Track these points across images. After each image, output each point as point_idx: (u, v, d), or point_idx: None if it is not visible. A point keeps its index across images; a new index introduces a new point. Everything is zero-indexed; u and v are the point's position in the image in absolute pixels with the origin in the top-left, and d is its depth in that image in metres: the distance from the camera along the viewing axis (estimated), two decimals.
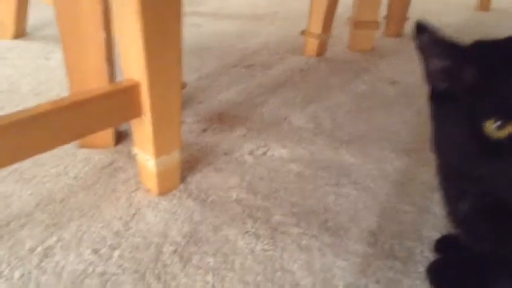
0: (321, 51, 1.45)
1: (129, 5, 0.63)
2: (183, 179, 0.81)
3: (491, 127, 0.41)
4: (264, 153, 0.91)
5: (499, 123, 0.41)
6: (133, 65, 0.68)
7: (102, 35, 0.78)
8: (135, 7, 0.62)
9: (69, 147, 0.89)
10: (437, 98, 0.48)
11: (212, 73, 1.31)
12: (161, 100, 0.70)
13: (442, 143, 0.48)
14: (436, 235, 0.69)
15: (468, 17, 1.98)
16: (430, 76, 0.48)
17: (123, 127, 0.95)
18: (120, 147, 0.90)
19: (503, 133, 0.41)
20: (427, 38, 0.46)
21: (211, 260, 0.64)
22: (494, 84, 0.42)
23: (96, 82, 0.82)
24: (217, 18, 1.88)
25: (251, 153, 0.91)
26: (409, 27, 1.68)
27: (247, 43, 1.58)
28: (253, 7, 2.08)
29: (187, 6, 2.04)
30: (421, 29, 0.46)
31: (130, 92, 0.69)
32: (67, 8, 0.77)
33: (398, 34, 1.64)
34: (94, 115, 0.68)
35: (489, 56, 0.44)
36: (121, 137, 0.93)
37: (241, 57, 1.44)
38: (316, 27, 1.41)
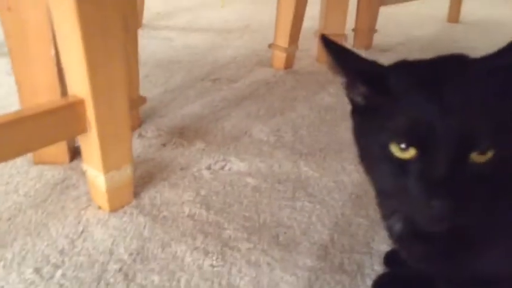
0: (288, 64, 1.45)
1: (70, 22, 0.62)
2: (136, 194, 0.80)
3: (396, 148, 0.41)
4: (222, 168, 0.90)
5: (403, 146, 0.40)
6: (76, 81, 0.67)
7: (51, 51, 0.77)
8: (75, 24, 0.62)
9: (22, 164, 0.88)
10: (357, 114, 0.48)
11: (178, 87, 1.31)
12: (107, 116, 0.69)
13: (363, 160, 0.47)
14: (386, 248, 0.68)
15: (437, 29, 2.01)
16: (347, 90, 0.47)
17: (78, 142, 0.94)
18: (74, 163, 0.89)
19: (408, 155, 0.40)
20: (331, 54, 0.45)
21: (156, 278, 0.63)
22: (400, 106, 0.41)
23: (47, 97, 0.80)
24: (188, 32, 1.88)
25: (208, 167, 0.90)
26: (378, 38, 1.70)
27: (217, 56, 1.58)
28: (224, 21, 2.09)
29: (159, 20, 2.05)
30: (327, 43, 0.46)
31: (75, 108, 0.68)
32: (15, 25, 0.76)
33: (367, 46, 1.66)
34: (39, 130, 0.67)
35: (401, 76, 0.43)
36: (76, 152, 0.91)
37: (210, 70, 1.44)
38: (283, 41, 1.42)
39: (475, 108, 0.39)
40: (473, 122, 0.39)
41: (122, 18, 0.67)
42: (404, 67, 0.45)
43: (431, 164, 0.39)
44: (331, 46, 0.46)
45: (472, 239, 0.47)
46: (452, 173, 0.39)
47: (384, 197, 0.50)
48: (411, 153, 0.40)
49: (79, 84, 0.67)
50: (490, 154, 0.39)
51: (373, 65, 0.46)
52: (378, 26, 1.69)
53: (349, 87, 0.47)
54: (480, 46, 1.75)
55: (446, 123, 0.39)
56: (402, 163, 0.41)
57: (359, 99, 0.46)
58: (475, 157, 0.39)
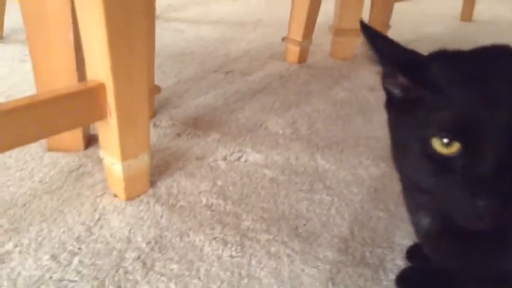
0: (302, 58, 1.44)
1: (93, 6, 0.61)
2: (152, 183, 0.79)
3: (438, 143, 0.39)
4: (238, 159, 0.89)
5: (446, 140, 0.39)
6: (98, 66, 0.66)
7: (70, 34, 0.76)
8: (99, 8, 0.60)
9: (36, 151, 0.87)
10: (393, 107, 0.46)
11: (191, 78, 1.29)
12: (127, 102, 0.68)
13: (397, 154, 0.46)
14: (408, 243, 0.67)
15: (450, 28, 1.99)
16: (384, 80, 0.46)
17: (93, 130, 0.93)
18: (89, 151, 0.88)
19: (451, 150, 0.39)
20: (369, 41, 0.43)
21: (175, 266, 0.62)
22: (443, 99, 0.39)
23: (64, 82, 0.79)
24: (200, 24, 1.87)
25: (224, 158, 0.89)
26: (391, 35, 1.69)
27: (229, 49, 1.56)
28: (235, 14, 2.08)
29: (170, 12, 2.04)
30: (366, 29, 0.44)
31: (94, 93, 0.67)
32: (33, 7, 0.75)
33: None
34: (57, 115, 0.66)
35: (445, 68, 0.41)
36: (91, 140, 0.90)
37: (222, 63, 1.43)
38: (297, 35, 1.40)
39: None
40: None
41: (145, 4, 0.65)
42: (446, 58, 0.43)
43: (476, 161, 0.37)
44: (369, 32, 0.44)
45: (503, 238, 0.46)
46: (499, 171, 0.37)
47: (415, 192, 0.48)
48: (455, 148, 0.38)
49: (100, 69, 0.66)
50: None
51: (415, 54, 0.44)
52: (391, 23, 1.67)
53: (387, 78, 0.45)
54: None
55: (493, 117, 0.37)
56: (444, 159, 0.39)
57: (397, 91, 0.44)
58: None
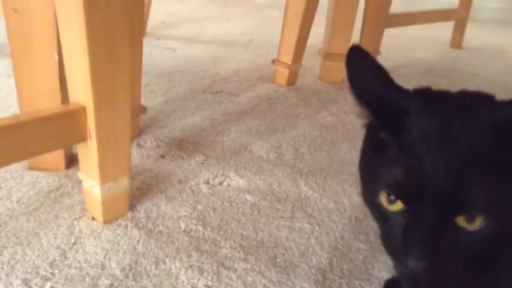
0: (291, 80, 1.45)
1: (76, 29, 0.61)
2: (132, 206, 0.78)
3: (383, 198, 0.40)
4: (221, 183, 0.88)
5: (391, 197, 0.39)
6: (79, 88, 0.66)
7: (54, 55, 0.76)
8: (81, 31, 0.60)
9: (17, 169, 0.86)
10: (368, 143, 0.46)
11: (179, 97, 1.29)
12: (108, 125, 0.68)
13: (362, 193, 0.46)
14: (386, 275, 0.67)
15: (440, 54, 2.02)
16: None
17: (76, 149, 0.92)
18: (71, 170, 0.87)
19: (393, 208, 0.40)
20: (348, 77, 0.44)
21: None
22: (402, 153, 0.39)
23: (47, 102, 0.79)
24: (192, 43, 1.88)
25: (207, 182, 0.88)
26: (380, 61, 1.70)
27: (219, 69, 1.57)
28: (227, 34, 2.09)
29: (163, 30, 2.05)
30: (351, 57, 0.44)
31: (75, 115, 0.66)
32: (19, 27, 0.75)
33: None
34: (36, 137, 0.65)
35: (420, 117, 0.40)
36: (73, 160, 0.89)
37: (211, 82, 1.43)
38: (287, 57, 1.41)
39: (474, 170, 0.37)
40: (467, 184, 0.36)
41: (129, 27, 0.65)
42: (424, 104, 0.41)
43: (415, 222, 0.38)
44: (352, 61, 0.44)
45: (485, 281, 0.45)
46: (435, 234, 0.37)
47: None
48: (398, 206, 0.39)
49: (81, 92, 0.66)
50: (478, 222, 0.37)
51: (397, 94, 0.42)
52: (381, 48, 1.69)
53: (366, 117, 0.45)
54: (483, 72, 1.76)
55: (436, 181, 0.37)
56: (390, 213, 0.40)
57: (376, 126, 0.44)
58: (462, 222, 0.38)
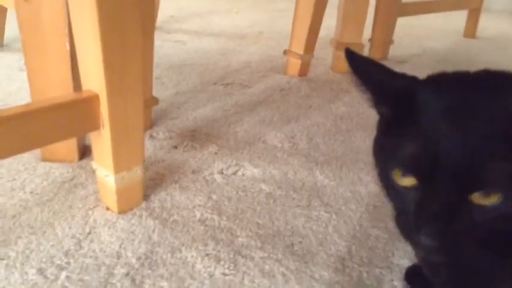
0: (303, 71, 1.43)
1: (88, 16, 0.60)
2: (146, 197, 0.77)
3: (397, 175, 0.40)
4: (235, 173, 0.87)
5: (402, 173, 0.39)
6: (92, 76, 0.65)
7: (66, 44, 0.75)
8: (94, 20, 0.59)
9: (30, 161, 0.85)
10: (382, 125, 0.46)
11: (190, 90, 1.28)
12: (121, 114, 0.67)
13: (378, 175, 0.45)
14: (407, 263, 0.65)
15: (453, 43, 1.98)
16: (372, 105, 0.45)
17: (88, 141, 0.91)
18: (84, 161, 0.86)
19: (406, 183, 0.39)
20: (354, 71, 0.44)
21: (165, 284, 0.60)
22: (414, 131, 0.39)
23: (59, 91, 0.78)
24: (201, 36, 1.87)
25: (221, 172, 0.87)
26: (394, 49, 1.68)
27: (230, 61, 1.56)
28: (237, 27, 2.07)
29: (173, 23, 2.04)
30: (351, 56, 0.44)
31: (88, 103, 0.65)
32: (30, 17, 0.74)
33: (383, 57, 1.63)
34: (49, 125, 0.65)
35: (431, 97, 0.40)
36: (86, 151, 0.89)
37: (222, 75, 1.42)
38: (299, 48, 1.40)
39: (493, 146, 0.36)
40: (485, 159, 0.35)
41: (140, 17, 0.64)
42: (439, 83, 0.42)
43: (427, 197, 0.38)
44: (355, 60, 0.43)
45: (503, 267, 0.44)
46: (447, 211, 0.37)
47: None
48: (410, 181, 0.39)
49: (94, 79, 0.65)
50: (494, 198, 0.36)
51: (403, 80, 0.43)
52: (394, 37, 1.67)
53: (376, 104, 0.44)
54: (496, 62, 1.72)
55: (452, 157, 0.36)
56: (403, 190, 0.39)
57: (385, 111, 0.44)
58: (477, 198, 0.36)
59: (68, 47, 0.76)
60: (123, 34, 0.63)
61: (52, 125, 0.64)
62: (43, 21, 0.74)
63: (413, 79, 0.43)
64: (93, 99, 0.65)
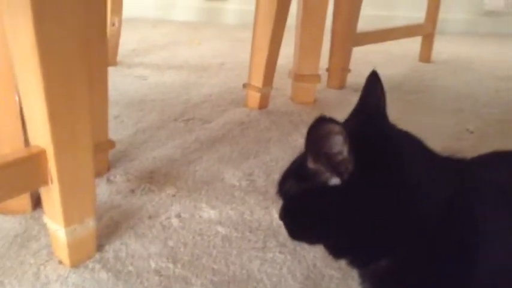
0: (263, 103, 1.45)
1: (31, 69, 0.60)
2: (100, 247, 0.77)
3: None
4: (192, 216, 0.87)
5: None
6: (38, 131, 0.65)
7: (14, 97, 0.75)
8: (37, 76, 0.60)
9: None
10: None
11: (150, 127, 1.29)
12: (70, 168, 0.67)
13: None
14: None
15: (409, 69, 2.05)
16: None
17: None
18: (37, 212, 0.85)
19: None
20: None
21: None
22: None
23: (11, 145, 0.77)
24: (163, 69, 1.88)
25: (178, 215, 0.87)
26: (351, 77, 1.72)
27: (190, 95, 1.57)
28: (199, 58, 2.09)
29: (133, 57, 2.04)
30: None
31: (35, 159, 0.65)
32: None
33: (341, 86, 1.67)
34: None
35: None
36: (39, 201, 0.87)
37: (183, 109, 1.43)
38: (257, 81, 1.42)
39: None
40: None
41: (87, 70, 0.65)
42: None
43: None
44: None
45: None
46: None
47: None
48: None
49: (41, 135, 0.65)
50: None
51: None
52: (351, 65, 1.71)
53: None
54: (451, 85, 1.79)
55: None
56: None
57: None
58: None
59: (17, 100, 0.75)
60: (69, 91, 0.64)
61: (2, 183, 0.63)
62: None
63: None
64: (41, 155, 0.65)
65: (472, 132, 1.29)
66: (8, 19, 0.61)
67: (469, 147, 1.21)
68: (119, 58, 1.90)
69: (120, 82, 1.66)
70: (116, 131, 1.21)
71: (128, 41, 2.10)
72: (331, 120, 0.43)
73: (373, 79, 0.55)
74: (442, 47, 2.30)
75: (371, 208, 0.46)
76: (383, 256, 0.48)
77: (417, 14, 2.18)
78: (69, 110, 0.64)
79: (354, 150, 0.44)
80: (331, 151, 0.45)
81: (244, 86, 1.46)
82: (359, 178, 0.45)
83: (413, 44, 2.18)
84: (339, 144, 0.44)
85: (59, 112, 0.63)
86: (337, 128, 0.43)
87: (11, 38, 0.62)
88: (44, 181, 0.67)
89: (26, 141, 0.78)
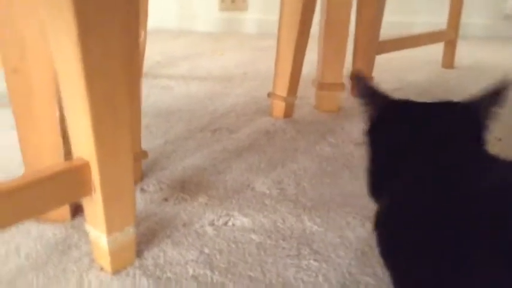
0: (288, 113, 1.47)
1: (77, 93, 0.63)
2: (139, 253, 0.79)
3: None
4: (225, 223, 0.89)
5: None
6: (82, 144, 0.68)
7: (55, 111, 0.78)
8: (82, 95, 0.62)
9: (23, 223, 0.86)
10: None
11: (178, 138, 1.31)
12: (112, 178, 0.69)
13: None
14: None
15: (433, 75, 2.05)
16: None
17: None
18: (77, 220, 0.88)
19: None
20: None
21: None
22: None
23: (51, 159, 0.80)
24: (188, 80, 1.91)
25: (211, 223, 0.89)
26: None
27: (216, 105, 1.59)
28: (222, 68, 2.12)
29: (159, 69, 2.09)
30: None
31: (79, 171, 0.68)
32: (20, 87, 0.77)
33: None
34: (43, 195, 0.66)
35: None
36: (78, 209, 0.90)
37: (209, 120, 1.45)
38: (282, 90, 1.44)
39: None
40: None
41: (129, 87, 0.67)
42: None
43: None
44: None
45: None
46: None
47: None
48: None
49: (84, 148, 0.67)
50: None
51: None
52: (374, 73, 1.72)
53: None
54: (474, 91, 1.78)
55: None
56: None
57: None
58: None
59: (57, 115, 0.78)
60: (112, 107, 0.66)
61: (44, 195, 0.66)
62: (32, 91, 0.77)
63: None
64: (85, 167, 0.67)
65: (499, 140, 1.28)
66: (52, 35, 0.64)
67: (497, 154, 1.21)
68: (144, 69, 1.94)
69: (147, 93, 1.69)
70: (146, 141, 1.24)
71: (151, 53, 2.14)
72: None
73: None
74: (463, 52, 2.29)
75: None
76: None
77: (437, 20, 2.18)
78: (111, 124, 0.67)
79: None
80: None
81: (269, 95, 1.48)
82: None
83: (435, 49, 2.17)
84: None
85: (103, 126, 0.66)
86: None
87: (56, 55, 0.65)
88: (88, 191, 0.69)
89: (66, 154, 0.81)
